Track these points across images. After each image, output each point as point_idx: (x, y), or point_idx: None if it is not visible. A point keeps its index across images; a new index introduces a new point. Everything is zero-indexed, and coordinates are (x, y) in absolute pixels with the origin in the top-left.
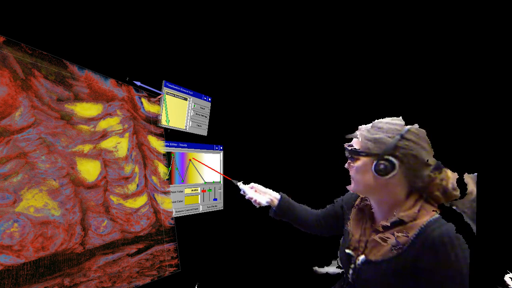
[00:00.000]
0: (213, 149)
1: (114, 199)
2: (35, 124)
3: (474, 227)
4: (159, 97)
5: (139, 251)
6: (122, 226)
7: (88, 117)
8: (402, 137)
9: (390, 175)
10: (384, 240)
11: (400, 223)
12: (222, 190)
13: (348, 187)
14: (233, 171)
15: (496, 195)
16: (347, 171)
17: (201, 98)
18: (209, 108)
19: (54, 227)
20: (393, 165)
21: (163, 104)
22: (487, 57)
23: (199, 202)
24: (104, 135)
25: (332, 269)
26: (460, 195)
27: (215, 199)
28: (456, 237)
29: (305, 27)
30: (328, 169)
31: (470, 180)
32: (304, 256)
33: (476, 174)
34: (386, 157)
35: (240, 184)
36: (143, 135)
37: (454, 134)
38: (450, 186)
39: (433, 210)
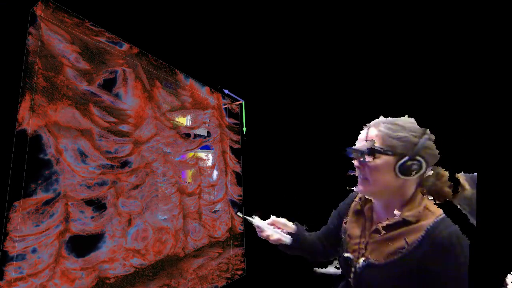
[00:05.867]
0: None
1: (203, 206)
2: (156, 134)
3: (475, 226)
4: (238, 102)
5: (219, 255)
6: (209, 231)
7: (190, 126)
8: (428, 137)
9: (414, 175)
10: (388, 241)
11: (404, 223)
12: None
13: (357, 188)
14: (252, 168)
15: (496, 195)
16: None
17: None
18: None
19: (166, 233)
20: (420, 165)
21: (243, 112)
22: (483, 56)
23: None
24: (200, 143)
25: (332, 269)
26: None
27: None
28: (464, 238)
29: (311, 32)
30: (331, 172)
31: (462, 177)
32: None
33: (476, 174)
34: (417, 157)
35: (256, 220)
36: (226, 143)
37: (449, 133)
38: (448, 182)
39: (438, 207)
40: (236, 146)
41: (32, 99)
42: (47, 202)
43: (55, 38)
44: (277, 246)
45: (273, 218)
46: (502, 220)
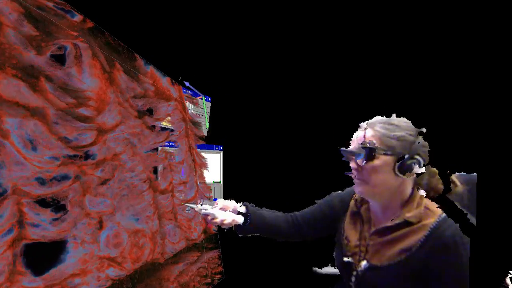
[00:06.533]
0: (213, 149)
1: (177, 205)
2: (121, 123)
3: (474, 222)
4: (198, 98)
5: (197, 259)
6: (186, 233)
7: (155, 117)
8: (424, 136)
9: (413, 174)
10: (391, 243)
11: (407, 224)
12: (222, 190)
13: (356, 190)
14: (233, 171)
15: (496, 195)
16: (345, 170)
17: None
18: (209, 108)
19: (143, 236)
20: (419, 163)
21: (204, 107)
22: (477, 56)
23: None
24: (167, 137)
25: (332, 269)
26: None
27: (215, 199)
28: (465, 237)
29: (305, 30)
30: (326, 169)
31: (453, 175)
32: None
33: (476, 174)
34: (416, 156)
35: (204, 207)
36: (192, 138)
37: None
38: (440, 179)
39: (437, 207)
40: (200, 142)
41: None
42: None
43: None
44: (232, 230)
45: (221, 201)
46: (502, 220)
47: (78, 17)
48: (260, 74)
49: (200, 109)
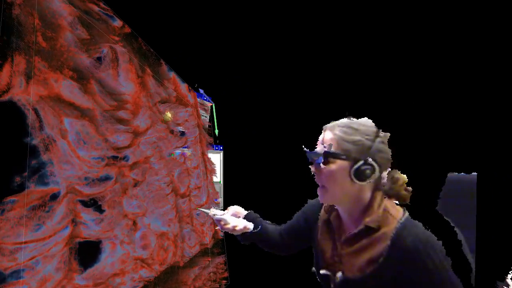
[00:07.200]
0: (213, 149)
1: (192, 209)
2: (151, 126)
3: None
4: (209, 104)
5: (208, 263)
6: (200, 237)
7: (176, 122)
8: (381, 140)
9: (369, 180)
10: (358, 253)
11: (367, 230)
12: (222, 190)
13: (322, 199)
14: (233, 171)
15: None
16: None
17: (201, 98)
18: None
19: (167, 239)
20: (373, 169)
21: (214, 114)
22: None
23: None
24: (186, 142)
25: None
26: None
27: (215, 199)
28: (429, 239)
29: (305, 30)
30: (302, 168)
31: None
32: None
33: (475, 174)
34: (370, 161)
35: (214, 211)
36: (204, 144)
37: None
38: (404, 185)
39: (397, 204)
40: (210, 148)
41: (33, 61)
42: (54, 197)
43: None
44: (236, 236)
45: (233, 208)
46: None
47: (118, 22)
48: (260, 74)
49: (210, 115)
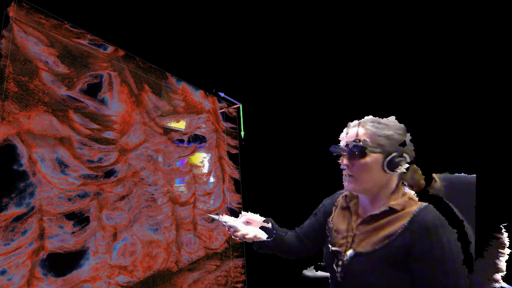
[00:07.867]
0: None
1: (199, 215)
2: (145, 141)
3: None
4: (236, 106)
5: (216, 268)
6: (205, 243)
7: (183, 132)
8: (409, 135)
9: (400, 170)
10: (376, 231)
11: (391, 212)
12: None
13: (346, 186)
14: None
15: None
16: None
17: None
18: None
19: (157, 247)
20: (405, 161)
21: (240, 116)
22: (467, 59)
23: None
24: (194, 149)
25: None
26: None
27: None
28: (446, 222)
29: (308, 34)
30: (326, 169)
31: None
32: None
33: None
34: (403, 153)
35: (226, 218)
36: (223, 149)
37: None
38: (422, 176)
39: (419, 200)
40: (234, 151)
41: (1, 106)
42: (18, 218)
43: (30, 40)
44: (251, 245)
45: (246, 215)
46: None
47: (110, 49)
48: (260, 74)
49: (236, 117)
